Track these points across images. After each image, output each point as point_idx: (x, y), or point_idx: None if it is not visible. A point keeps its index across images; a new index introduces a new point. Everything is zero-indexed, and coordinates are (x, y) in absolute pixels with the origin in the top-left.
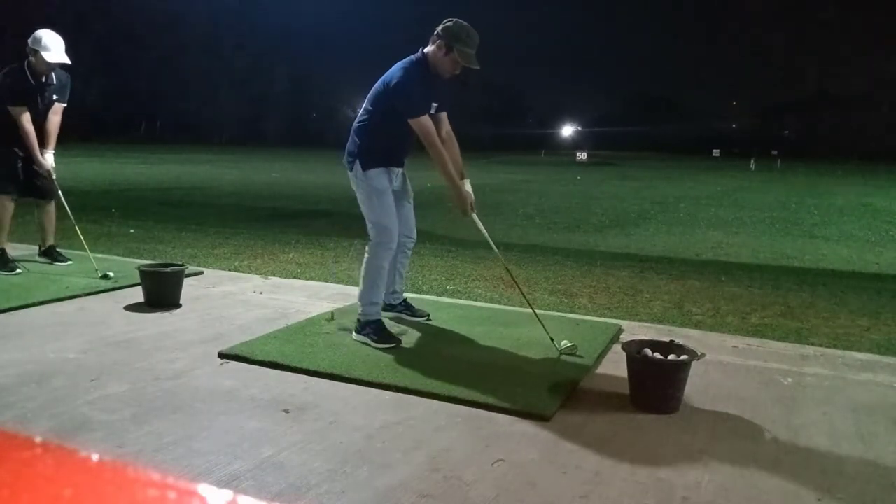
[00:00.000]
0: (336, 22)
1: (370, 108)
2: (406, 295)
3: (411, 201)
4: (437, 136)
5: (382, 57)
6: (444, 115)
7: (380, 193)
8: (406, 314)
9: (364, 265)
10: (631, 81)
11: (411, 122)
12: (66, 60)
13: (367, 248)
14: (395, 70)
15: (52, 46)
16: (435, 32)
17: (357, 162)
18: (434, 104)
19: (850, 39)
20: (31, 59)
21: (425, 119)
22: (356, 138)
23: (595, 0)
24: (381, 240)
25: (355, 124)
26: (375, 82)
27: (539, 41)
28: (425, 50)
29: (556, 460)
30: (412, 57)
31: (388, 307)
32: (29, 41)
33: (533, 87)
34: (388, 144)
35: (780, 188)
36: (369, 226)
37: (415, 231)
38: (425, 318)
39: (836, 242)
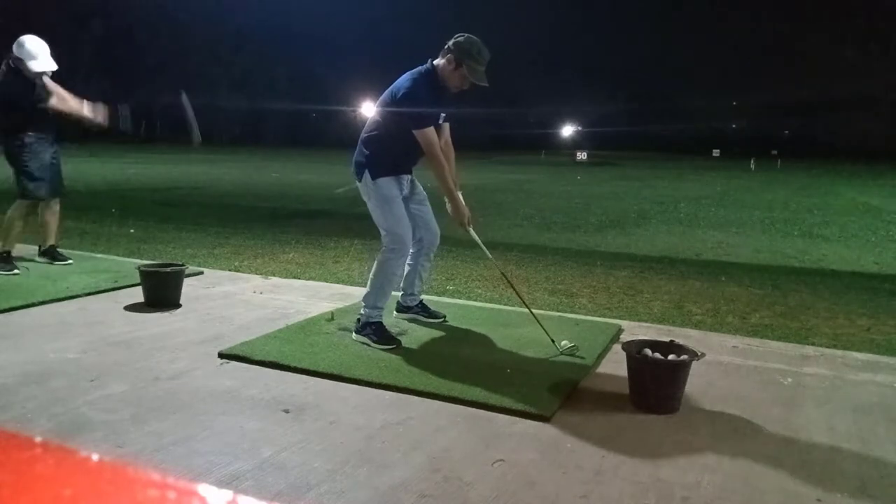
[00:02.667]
0: (336, 22)
1: (378, 118)
2: None
3: (428, 203)
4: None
5: (382, 57)
6: (446, 125)
7: (390, 201)
8: (423, 315)
9: (375, 269)
10: (631, 81)
11: (416, 133)
12: (54, 66)
13: (380, 253)
14: (403, 80)
15: (39, 54)
16: (446, 46)
17: (366, 171)
18: (442, 114)
19: (850, 40)
20: (20, 68)
21: (430, 131)
22: (364, 149)
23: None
24: (394, 247)
25: (363, 135)
26: (374, 81)
27: (539, 41)
28: (435, 62)
29: (556, 460)
30: (421, 67)
31: (405, 308)
32: (13, 49)
33: (533, 86)
34: (396, 153)
35: (780, 188)
36: (383, 233)
37: (438, 233)
38: (441, 320)
39: (836, 242)
